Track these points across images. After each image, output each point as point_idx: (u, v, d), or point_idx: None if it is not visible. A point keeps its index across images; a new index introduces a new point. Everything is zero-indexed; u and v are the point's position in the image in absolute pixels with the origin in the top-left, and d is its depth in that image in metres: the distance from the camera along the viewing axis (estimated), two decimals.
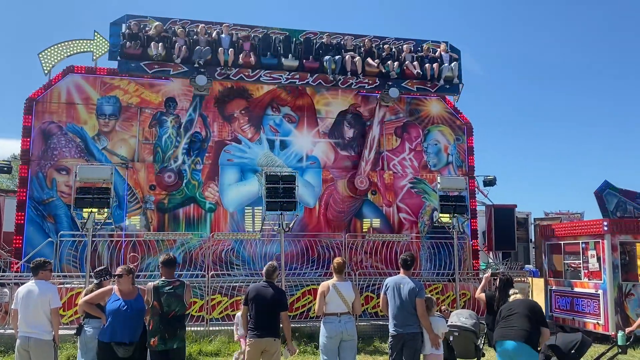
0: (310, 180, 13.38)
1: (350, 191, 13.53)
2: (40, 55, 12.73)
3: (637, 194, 16.10)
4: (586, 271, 10.81)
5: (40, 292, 5.65)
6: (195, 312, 10.23)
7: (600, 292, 10.24)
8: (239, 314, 6.58)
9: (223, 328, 9.86)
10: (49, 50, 12.77)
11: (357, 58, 12.85)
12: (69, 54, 12.89)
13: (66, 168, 12.22)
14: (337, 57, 12.75)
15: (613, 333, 9.36)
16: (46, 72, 12.73)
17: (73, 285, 10.29)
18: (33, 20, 61.58)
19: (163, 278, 5.53)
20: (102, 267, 6.52)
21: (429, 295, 6.69)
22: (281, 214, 10.19)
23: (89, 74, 12.77)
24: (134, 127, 12.78)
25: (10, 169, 13.06)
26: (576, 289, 10.86)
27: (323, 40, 13.02)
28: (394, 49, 13.44)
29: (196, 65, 12.06)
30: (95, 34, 13.05)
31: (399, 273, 6.16)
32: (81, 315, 6.16)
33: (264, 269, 6.07)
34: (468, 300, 11.40)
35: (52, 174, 12.22)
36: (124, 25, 12.19)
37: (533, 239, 18.32)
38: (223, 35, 12.48)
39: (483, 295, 7.38)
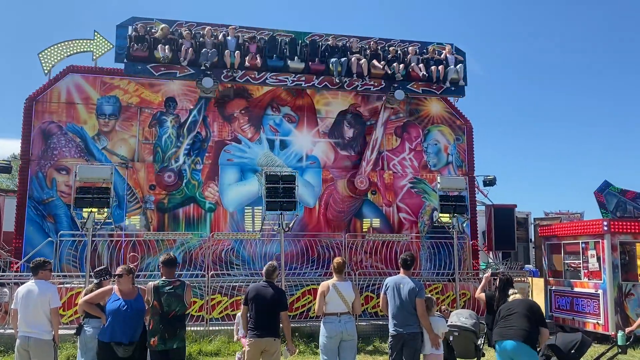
0: (310, 180, 13.38)
1: (350, 191, 13.54)
2: (40, 55, 12.73)
3: (637, 194, 16.11)
4: (586, 271, 10.82)
5: (40, 292, 5.65)
6: (195, 311, 10.22)
7: (600, 292, 10.24)
8: (239, 314, 6.58)
9: (223, 328, 9.85)
10: (49, 50, 12.78)
11: (363, 60, 12.88)
12: (69, 53, 12.90)
13: (66, 168, 12.22)
14: (342, 59, 12.78)
15: (613, 333, 9.37)
16: (46, 72, 12.73)
17: (73, 285, 10.29)
18: (33, 20, 61.62)
19: (163, 278, 5.53)
20: (102, 267, 6.52)
21: (429, 295, 6.70)
22: (281, 213, 10.19)
23: (88, 74, 12.78)
24: (134, 127, 12.78)
25: (10, 169, 13.06)
26: (576, 289, 10.86)
27: (329, 43, 13.06)
28: (399, 51, 13.49)
29: (202, 67, 12.11)
30: (95, 33, 13.06)
31: (398, 273, 6.16)
32: (81, 315, 6.15)
33: (264, 268, 6.07)
34: (468, 300, 11.40)
35: (52, 173, 12.23)
36: (130, 28, 12.25)
37: (533, 239, 18.32)
38: (229, 38, 12.53)
39: (483, 295, 7.39)
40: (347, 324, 5.89)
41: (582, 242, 10.91)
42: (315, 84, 12.87)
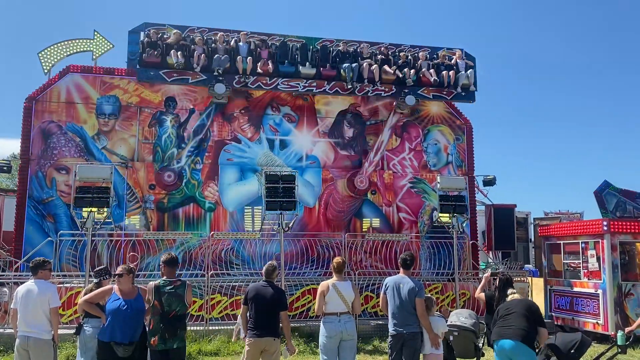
0: (310, 180, 13.38)
1: (350, 191, 13.54)
2: (40, 55, 12.73)
3: (637, 194, 16.12)
4: (586, 271, 10.81)
5: (39, 292, 5.65)
6: (195, 311, 10.22)
7: (599, 291, 10.24)
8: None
9: (223, 328, 9.86)
10: (49, 49, 12.77)
11: (374, 66, 12.94)
12: (68, 53, 12.90)
13: (66, 167, 12.22)
14: (354, 64, 12.82)
15: (612, 333, 9.37)
16: (46, 71, 12.73)
17: (72, 285, 10.29)
18: (33, 20, 61.59)
19: (164, 277, 5.53)
20: (102, 267, 6.52)
21: (429, 295, 6.70)
22: (281, 213, 10.19)
23: (88, 73, 12.77)
24: (134, 127, 12.78)
25: (10, 169, 13.05)
26: (576, 289, 10.86)
27: (339, 48, 13.15)
28: (409, 57, 13.54)
29: (215, 73, 12.15)
30: (95, 33, 13.06)
31: (398, 273, 6.17)
32: (81, 315, 6.15)
33: (264, 268, 6.07)
34: (468, 300, 11.41)
35: (51, 173, 12.22)
36: (142, 34, 12.31)
37: (533, 239, 18.32)
38: (241, 44, 12.61)
39: (483, 295, 7.40)
40: (347, 323, 5.89)
41: (581, 242, 10.90)
42: (327, 90, 12.99)
